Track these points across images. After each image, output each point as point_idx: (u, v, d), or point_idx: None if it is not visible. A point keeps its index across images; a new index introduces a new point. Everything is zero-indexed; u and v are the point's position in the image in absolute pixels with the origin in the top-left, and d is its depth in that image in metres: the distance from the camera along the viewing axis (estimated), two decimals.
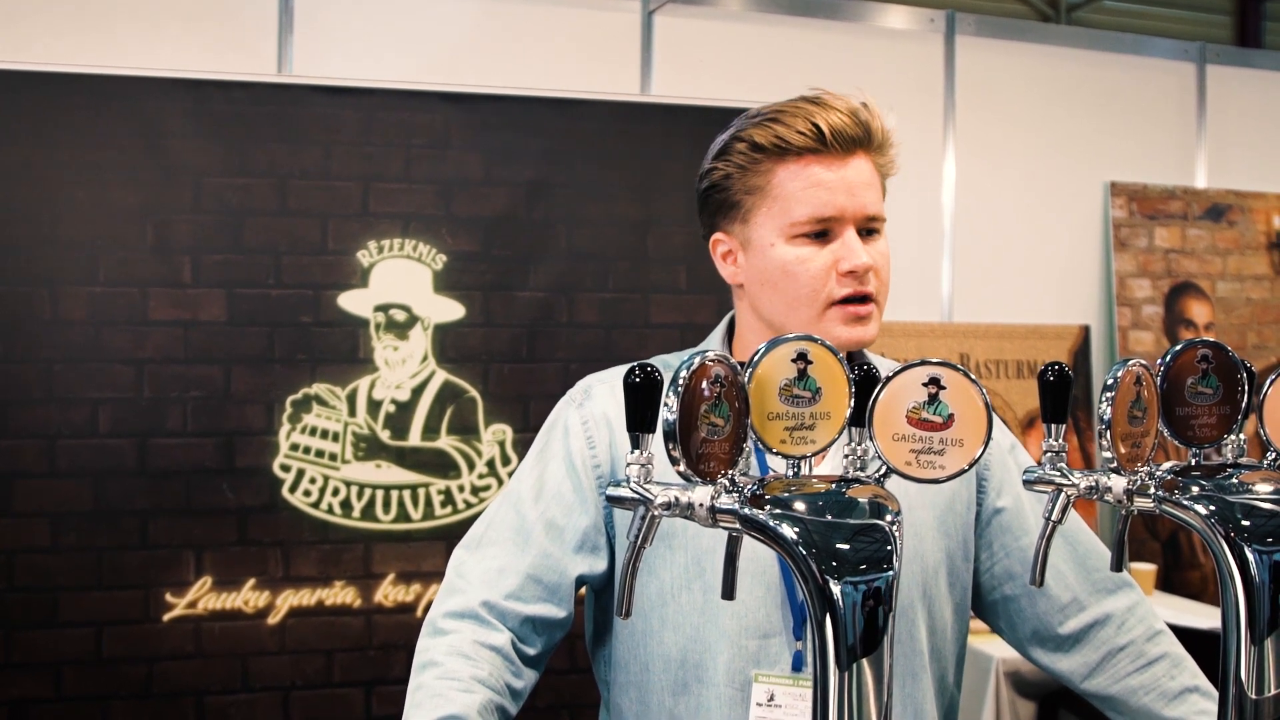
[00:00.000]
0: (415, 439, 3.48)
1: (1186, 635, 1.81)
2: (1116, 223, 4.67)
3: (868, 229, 1.51)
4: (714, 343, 1.65)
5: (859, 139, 1.50)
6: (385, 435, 3.46)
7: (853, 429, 1.06)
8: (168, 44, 3.67)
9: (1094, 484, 1.12)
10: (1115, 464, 1.10)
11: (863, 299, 1.49)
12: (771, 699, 1.46)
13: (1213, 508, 1.08)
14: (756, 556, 1.46)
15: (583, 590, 1.59)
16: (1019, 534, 1.59)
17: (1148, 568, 4.11)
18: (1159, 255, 4.72)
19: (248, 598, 3.37)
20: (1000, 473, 1.60)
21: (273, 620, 3.38)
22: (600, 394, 1.60)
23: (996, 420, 1.12)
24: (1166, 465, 1.15)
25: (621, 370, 1.60)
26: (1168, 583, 4.49)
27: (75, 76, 3.29)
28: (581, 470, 1.55)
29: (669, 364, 1.51)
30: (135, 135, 3.33)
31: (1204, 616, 3.66)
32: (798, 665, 1.47)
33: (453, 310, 3.53)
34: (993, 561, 1.60)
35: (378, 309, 3.48)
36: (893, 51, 4.47)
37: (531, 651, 1.50)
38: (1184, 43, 4.91)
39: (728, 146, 1.54)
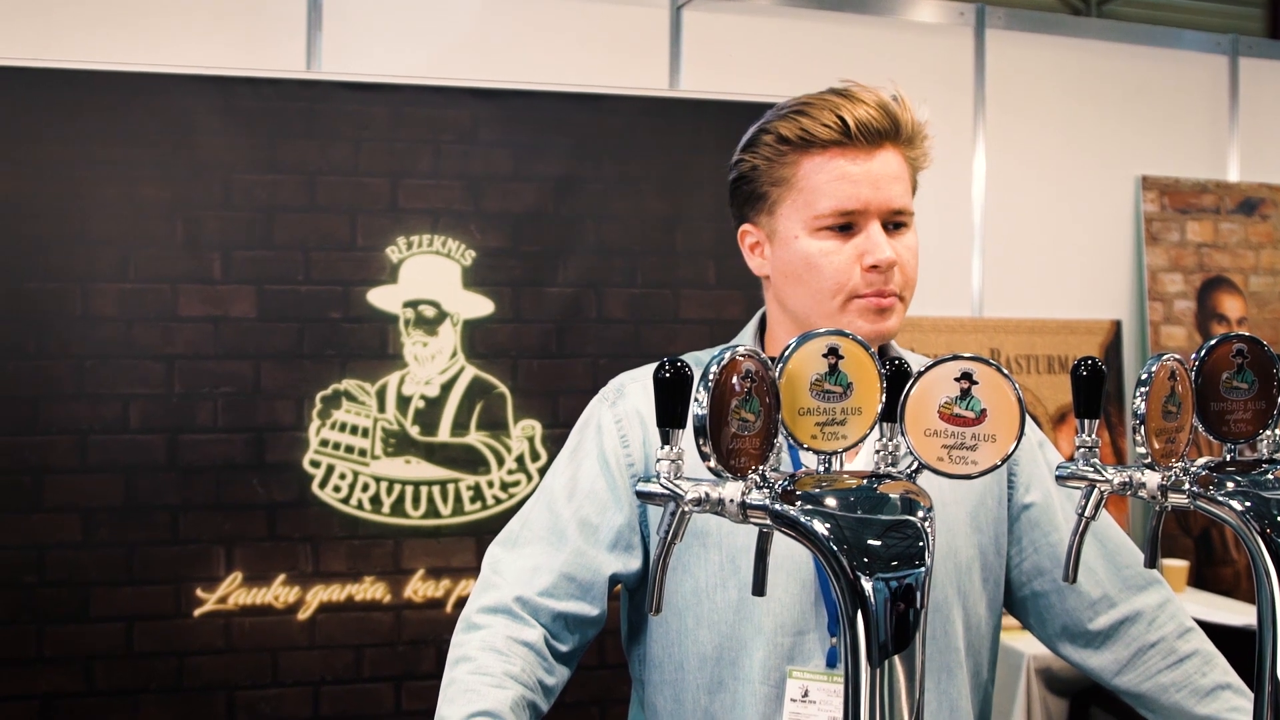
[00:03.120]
0: (444, 435, 3.49)
1: (1219, 632, 1.80)
2: (1148, 217, 4.63)
3: (894, 223, 1.50)
4: (746, 338, 1.64)
5: (886, 131, 1.49)
6: (415, 431, 3.47)
7: (884, 424, 1.05)
8: (197, 41, 3.68)
9: (1128, 480, 1.11)
10: (1149, 459, 1.09)
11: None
12: (806, 695, 1.45)
13: (1248, 504, 1.07)
14: (791, 554, 1.46)
15: (618, 588, 1.59)
16: (1048, 530, 1.58)
17: (1179, 564, 4.08)
18: (1191, 249, 4.69)
19: (278, 593, 3.38)
20: (1029, 468, 1.60)
21: (303, 615, 3.40)
22: (633, 392, 1.60)
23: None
24: (1201, 461, 1.14)
25: (653, 368, 1.60)
26: (1200, 579, 4.45)
27: (104, 74, 3.30)
28: (615, 468, 1.54)
29: (700, 360, 1.51)
30: (165, 132, 3.34)
31: (1236, 613, 3.63)
32: (832, 661, 1.46)
33: (482, 306, 3.53)
34: (1022, 557, 1.59)
35: (407, 305, 3.48)
36: (922, 45, 4.45)
37: (564, 648, 1.50)
38: (1216, 35, 4.88)
39: (755, 138, 1.54)
